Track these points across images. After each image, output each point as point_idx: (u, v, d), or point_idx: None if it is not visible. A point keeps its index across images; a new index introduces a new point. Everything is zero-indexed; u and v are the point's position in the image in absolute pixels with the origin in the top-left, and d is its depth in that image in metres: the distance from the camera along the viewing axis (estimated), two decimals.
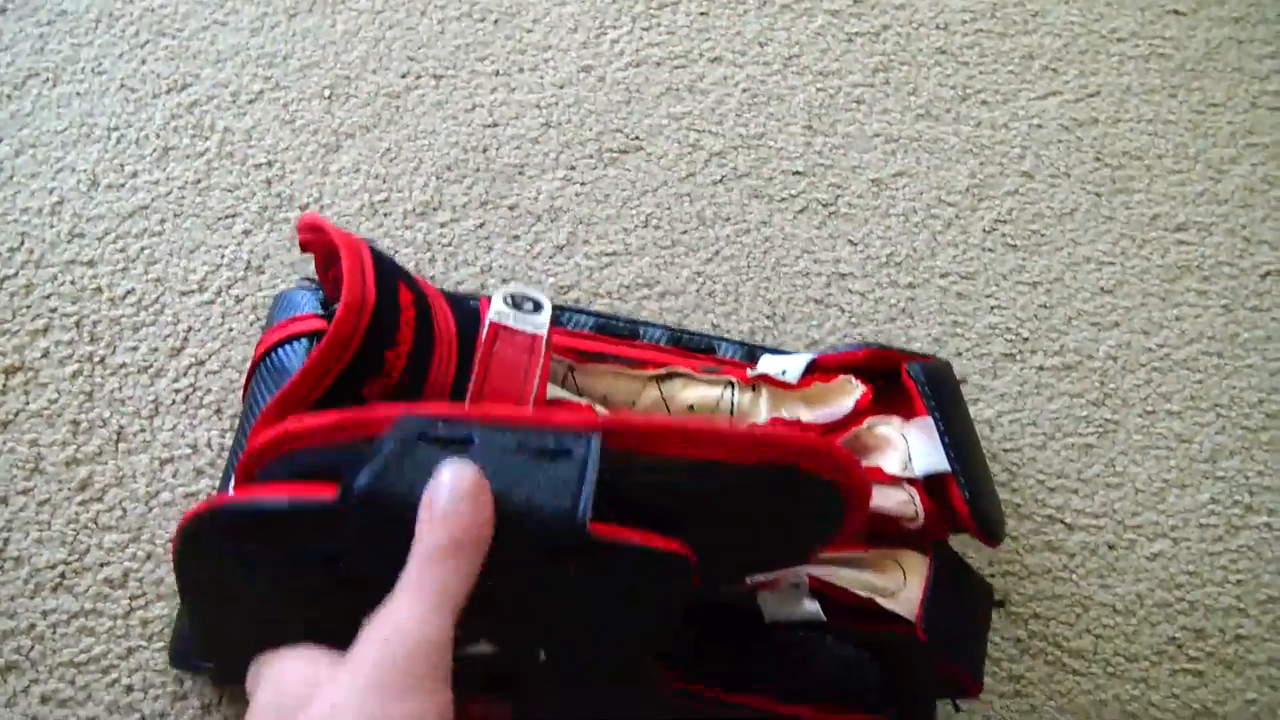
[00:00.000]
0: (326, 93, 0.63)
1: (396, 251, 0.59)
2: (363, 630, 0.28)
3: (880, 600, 0.41)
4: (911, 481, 0.43)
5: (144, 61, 0.63)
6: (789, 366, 0.47)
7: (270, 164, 0.61)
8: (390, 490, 0.29)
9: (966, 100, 0.63)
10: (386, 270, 0.42)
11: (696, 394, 0.48)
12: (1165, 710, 0.50)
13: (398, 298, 0.41)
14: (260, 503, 0.31)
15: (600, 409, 0.47)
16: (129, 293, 0.57)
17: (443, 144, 0.61)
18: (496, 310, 0.43)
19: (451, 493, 0.29)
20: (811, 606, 0.41)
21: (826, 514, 0.34)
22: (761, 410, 0.47)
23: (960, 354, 0.57)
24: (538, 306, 0.44)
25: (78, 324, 0.56)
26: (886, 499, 0.43)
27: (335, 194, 0.60)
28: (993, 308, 0.58)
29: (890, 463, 0.44)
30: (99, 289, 0.57)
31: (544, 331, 0.43)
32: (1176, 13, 0.66)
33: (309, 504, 0.30)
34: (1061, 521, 0.54)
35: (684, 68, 0.64)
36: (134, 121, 0.62)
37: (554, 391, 0.47)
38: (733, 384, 0.48)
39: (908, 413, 0.45)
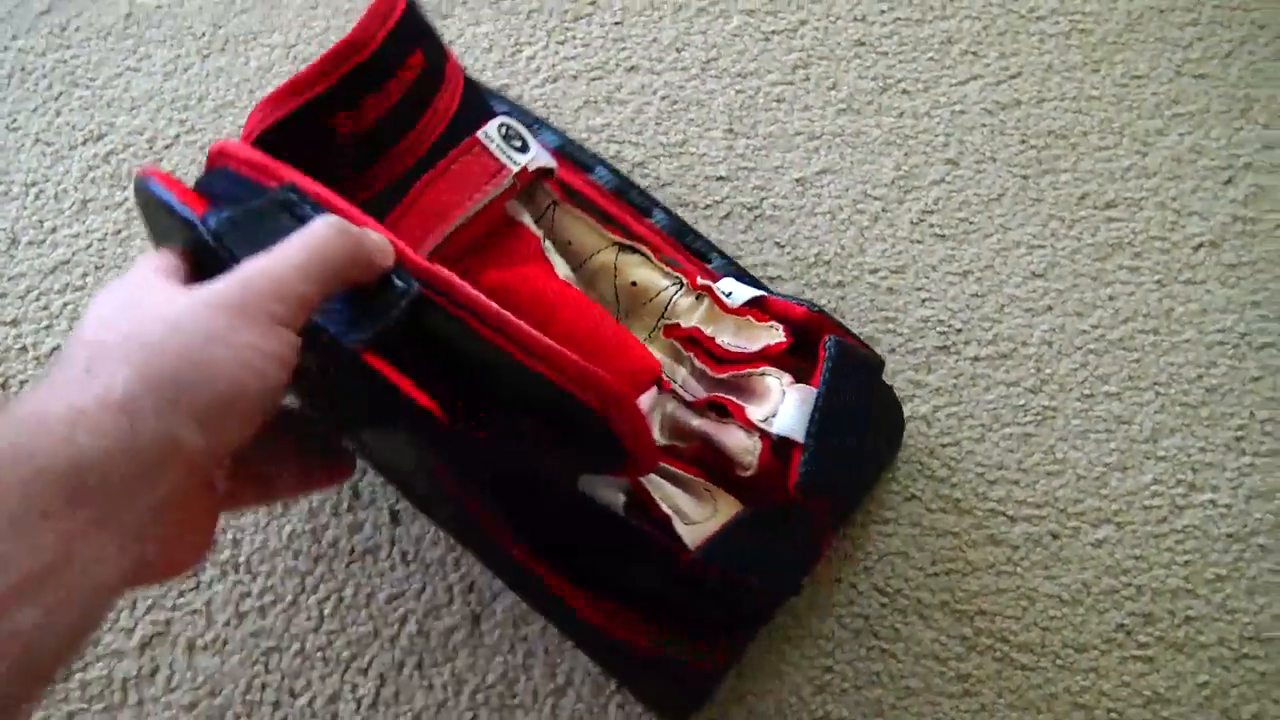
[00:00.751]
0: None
1: None
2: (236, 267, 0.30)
3: (676, 522, 0.42)
4: (764, 436, 0.44)
5: (59, 114, 0.63)
6: (737, 291, 0.48)
7: None
8: (231, 235, 0.33)
9: (887, 91, 0.63)
10: (410, 30, 0.44)
11: (645, 275, 0.49)
12: (1117, 699, 0.49)
13: (406, 58, 0.43)
14: (158, 190, 0.35)
15: (555, 257, 0.48)
16: (54, 349, 0.57)
17: None
18: (485, 131, 0.45)
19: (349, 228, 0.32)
20: (615, 498, 0.42)
21: (606, 450, 0.36)
22: (693, 318, 0.48)
23: (894, 350, 0.56)
24: (524, 148, 0.46)
25: (3, 385, 0.56)
26: (730, 438, 0.44)
27: None
28: (924, 300, 0.57)
29: (756, 411, 0.45)
30: (24, 348, 0.57)
31: (514, 168, 0.45)
32: None
33: (180, 211, 0.34)
34: (1003, 514, 0.53)
35: (601, 79, 0.63)
36: (51, 175, 0.61)
37: (524, 219, 0.48)
38: (681, 283, 0.49)
39: (808, 379, 0.45)
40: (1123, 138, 0.61)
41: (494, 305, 0.34)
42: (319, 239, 0.31)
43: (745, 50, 0.64)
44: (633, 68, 0.64)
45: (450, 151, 0.45)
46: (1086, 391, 0.55)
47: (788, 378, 0.45)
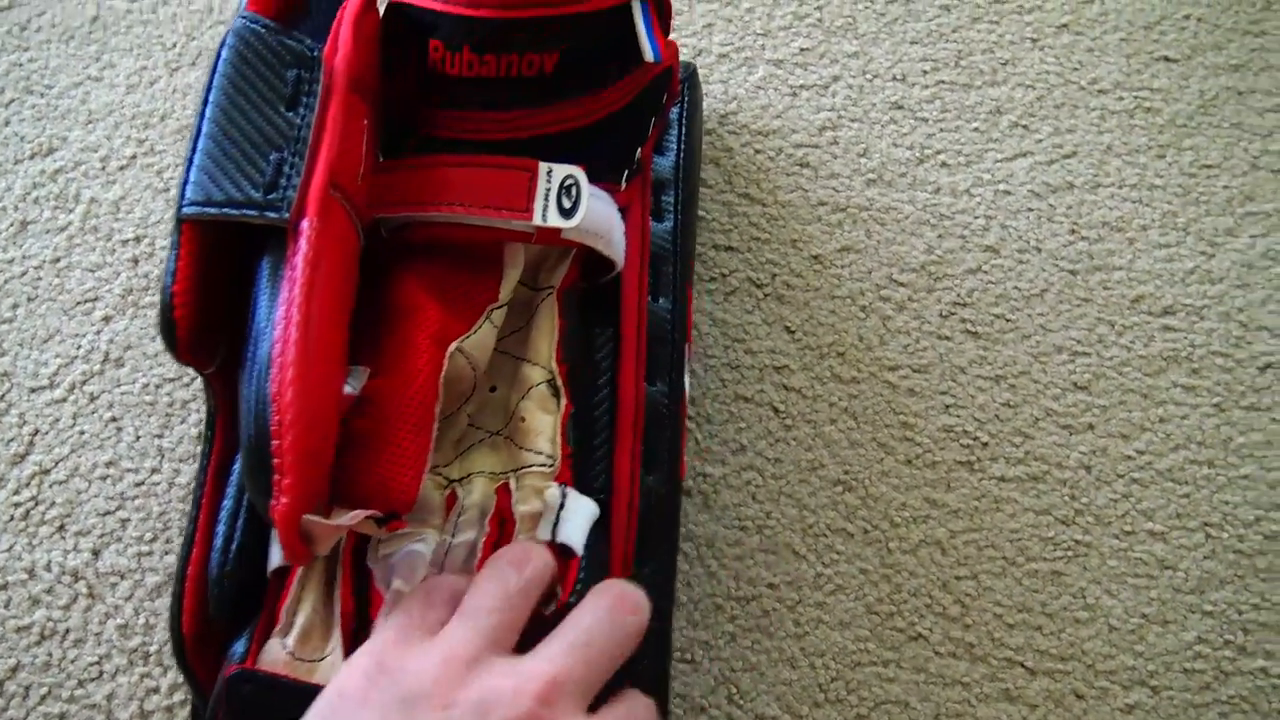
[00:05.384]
0: None
1: None
2: None
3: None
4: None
5: (7, 123, 0.57)
6: (570, 524, 0.38)
7: (139, 239, 0.54)
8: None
9: (925, 162, 0.56)
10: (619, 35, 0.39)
11: (537, 423, 0.39)
12: None
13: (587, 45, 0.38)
14: None
15: (492, 326, 0.40)
16: None
17: None
18: (550, 166, 0.38)
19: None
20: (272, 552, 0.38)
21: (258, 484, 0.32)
22: (522, 507, 0.38)
23: (910, 461, 0.50)
24: (569, 212, 0.38)
25: None
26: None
27: None
28: (948, 407, 0.51)
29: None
30: None
31: (536, 220, 0.38)
32: (1167, 60, 0.58)
33: None
34: (1021, 665, 0.46)
35: None
36: None
37: (510, 273, 0.40)
38: (552, 464, 0.39)
39: None
40: (1187, 235, 0.54)
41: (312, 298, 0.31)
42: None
43: (769, 105, 0.57)
44: None
45: (509, 156, 0.39)
46: (1127, 528, 0.48)
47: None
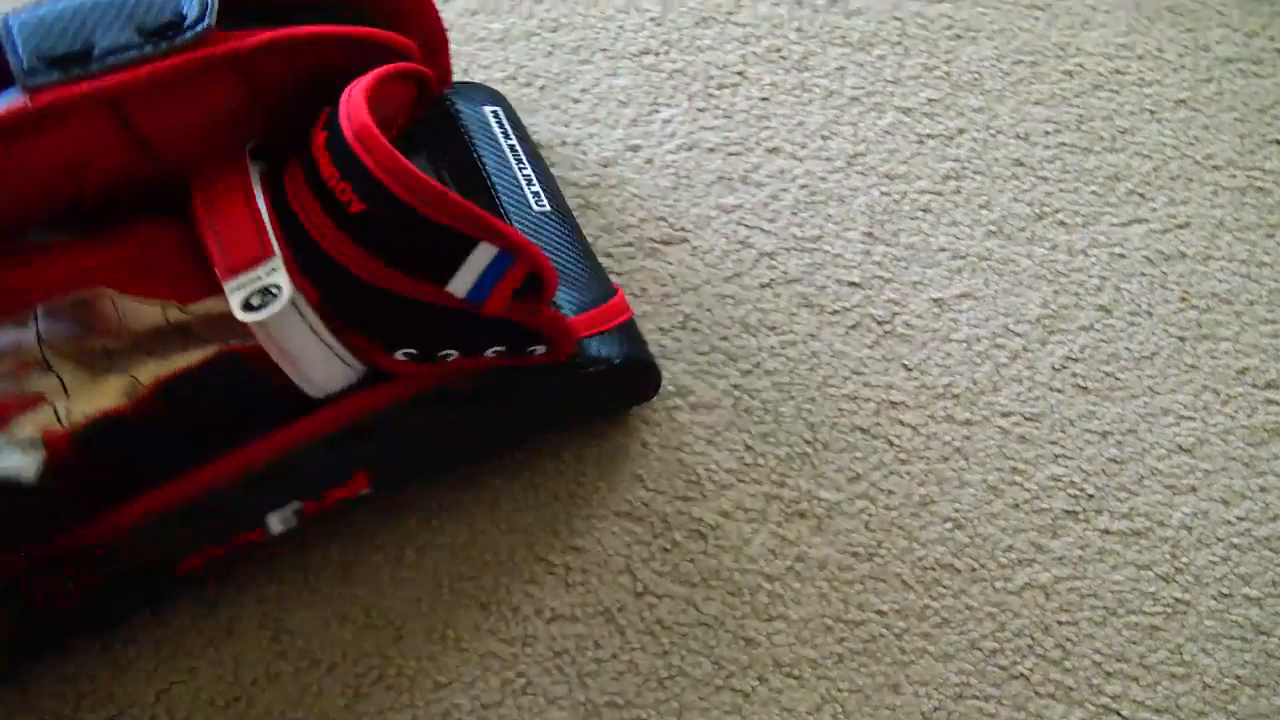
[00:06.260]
0: None
1: None
2: None
3: None
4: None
5: None
6: None
7: None
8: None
9: (1043, 219, 0.58)
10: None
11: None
12: None
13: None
14: None
15: (140, 307, 0.39)
16: None
17: None
18: (276, 268, 0.37)
19: None
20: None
21: None
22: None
23: (1018, 505, 0.51)
24: (255, 308, 0.37)
25: None
26: None
27: None
28: (1057, 456, 0.52)
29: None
30: None
31: (228, 290, 0.37)
32: (1279, 143, 0.60)
33: None
34: (1118, 713, 0.48)
35: (739, 156, 0.59)
36: None
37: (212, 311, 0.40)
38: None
39: None
40: None
41: None
42: None
43: (896, 150, 0.59)
44: (774, 149, 0.59)
45: (284, 233, 0.38)
46: (1224, 590, 0.50)
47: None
